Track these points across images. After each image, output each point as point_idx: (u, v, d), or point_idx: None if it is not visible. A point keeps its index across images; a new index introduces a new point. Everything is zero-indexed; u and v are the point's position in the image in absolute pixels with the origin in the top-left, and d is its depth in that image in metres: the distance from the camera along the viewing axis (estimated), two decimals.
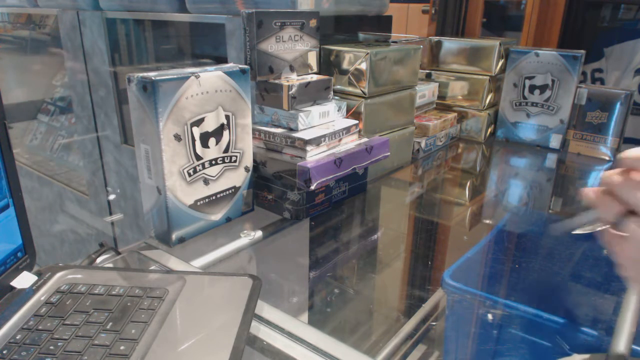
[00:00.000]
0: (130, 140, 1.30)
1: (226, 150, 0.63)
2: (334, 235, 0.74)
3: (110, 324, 0.41)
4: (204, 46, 1.15)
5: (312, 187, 0.65)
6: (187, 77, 0.56)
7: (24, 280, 0.47)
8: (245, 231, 0.66)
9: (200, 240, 0.63)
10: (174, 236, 0.60)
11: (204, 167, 0.61)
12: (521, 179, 1.01)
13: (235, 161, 0.65)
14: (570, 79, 1.03)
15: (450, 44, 1.15)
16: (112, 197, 1.37)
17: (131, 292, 0.45)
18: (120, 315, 0.42)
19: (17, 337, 0.39)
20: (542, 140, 1.09)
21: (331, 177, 0.68)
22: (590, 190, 0.38)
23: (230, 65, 0.63)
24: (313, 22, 0.76)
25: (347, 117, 0.80)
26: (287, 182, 0.68)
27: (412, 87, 0.95)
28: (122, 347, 0.38)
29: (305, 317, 0.59)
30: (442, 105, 1.17)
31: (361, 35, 1.07)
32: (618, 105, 0.99)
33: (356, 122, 0.76)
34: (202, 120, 0.59)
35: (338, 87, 0.86)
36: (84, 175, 1.55)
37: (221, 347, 0.39)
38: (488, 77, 1.10)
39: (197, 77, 0.57)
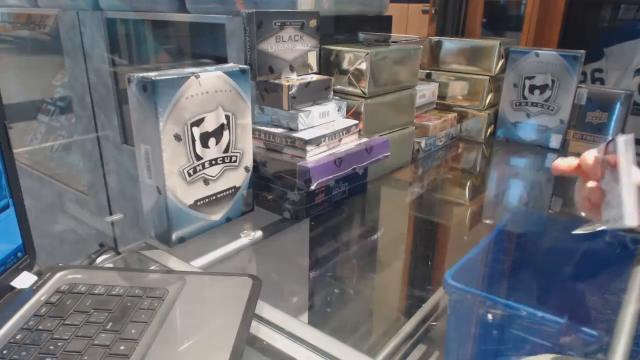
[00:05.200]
0: (130, 140, 1.30)
1: (226, 150, 0.63)
2: (334, 235, 0.74)
3: (110, 324, 0.41)
4: (204, 46, 1.15)
5: (312, 187, 0.65)
6: (187, 77, 0.56)
7: (24, 280, 0.46)
8: (245, 231, 0.66)
9: (200, 240, 0.63)
10: (174, 236, 0.60)
11: (204, 167, 0.61)
12: (521, 179, 1.01)
13: (235, 161, 0.65)
14: (570, 79, 1.03)
15: (450, 44, 1.15)
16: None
17: (131, 292, 0.45)
18: (120, 315, 0.42)
19: (17, 337, 0.39)
20: (542, 140, 1.09)
21: (331, 177, 0.68)
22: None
23: (230, 65, 0.63)
24: (313, 22, 0.76)
25: (347, 117, 0.79)
26: (287, 182, 0.68)
27: (412, 87, 0.95)
28: (122, 347, 0.38)
29: (305, 317, 0.59)
30: (442, 105, 1.16)
31: (361, 35, 1.07)
32: (618, 105, 0.99)
33: (356, 122, 0.76)
34: (202, 120, 0.59)
35: (338, 87, 0.86)
36: (84, 175, 1.54)
37: (221, 347, 0.39)
38: (488, 77, 1.10)
39: (197, 77, 0.57)
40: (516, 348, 0.51)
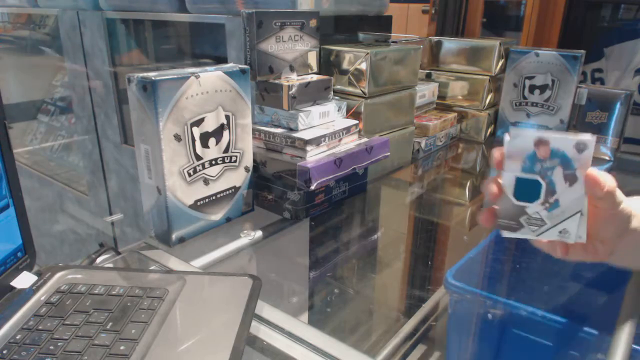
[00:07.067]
0: (130, 140, 1.30)
1: (226, 150, 0.63)
2: (334, 235, 0.74)
3: (110, 324, 0.41)
4: (204, 46, 1.15)
5: (312, 187, 0.65)
6: (187, 77, 0.56)
7: (24, 280, 0.46)
8: (245, 231, 0.66)
9: (200, 240, 0.63)
10: (174, 236, 0.60)
11: (204, 167, 0.61)
12: None
13: (235, 161, 0.65)
14: (570, 79, 1.02)
15: (450, 44, 1.15)
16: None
17: (131, 292, 0.45)
18: (120, 315, 0.42)
19: (17, 337, 0.39)
20: None
21: (331, 177, 0.68)
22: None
23: (230, 65, 0.63)
24: (313, 22, 0.76)
25: (347, 117, 0.79)
26: (287, 182, 0.68)
27: (412, 87, 0.95)
28: (122, 347, 0.38)
29: (305, 317, 0.59)
30: (442, 105, 1.16)
31: (361, 35, 1.07)
32: (618, 105, 0.99)
33: (356, 122, 0.76)
34: (202, 120, 0.59)
35: (338, 87, 0.86)
36: (84, 175, 1.54)
37: (221, 347, 0.39)
38: (488, 77, 1.10)
39: (197, 77, 0.57)
40: (517, 348, 0.51)
